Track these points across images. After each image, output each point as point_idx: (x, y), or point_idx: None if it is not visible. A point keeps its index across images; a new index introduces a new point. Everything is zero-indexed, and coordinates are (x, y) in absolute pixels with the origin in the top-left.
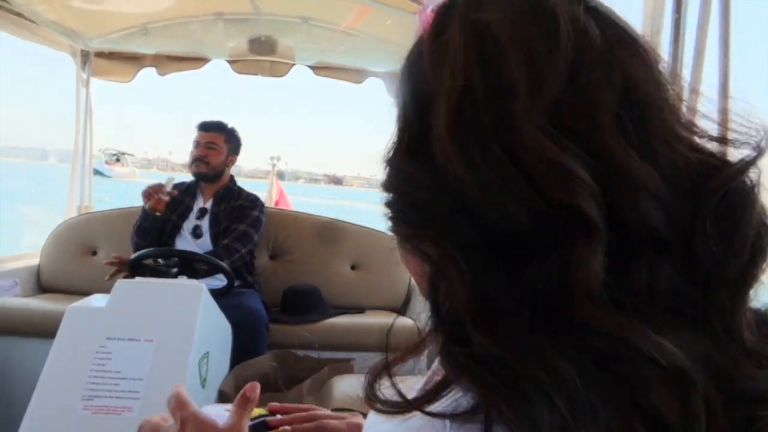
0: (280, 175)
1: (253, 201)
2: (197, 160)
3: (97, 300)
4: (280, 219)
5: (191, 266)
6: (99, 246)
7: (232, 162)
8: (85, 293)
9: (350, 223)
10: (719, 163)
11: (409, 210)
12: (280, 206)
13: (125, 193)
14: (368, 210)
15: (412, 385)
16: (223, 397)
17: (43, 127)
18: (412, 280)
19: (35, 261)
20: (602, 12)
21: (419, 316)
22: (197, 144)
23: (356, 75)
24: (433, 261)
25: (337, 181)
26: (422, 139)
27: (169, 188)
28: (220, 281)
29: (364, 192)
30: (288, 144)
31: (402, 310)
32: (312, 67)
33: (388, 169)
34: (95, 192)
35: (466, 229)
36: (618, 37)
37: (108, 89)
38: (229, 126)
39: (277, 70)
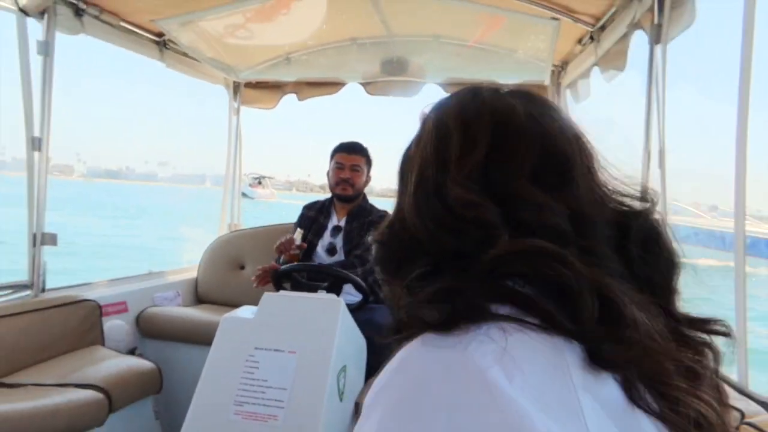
0: None
1: (382, 216)
2: (344, 182)
3: (247, 311)
4: None
5: (332, 281)
6: (246, 261)
7: (369, 181)
8: (235, 304)
9: None
10: (629, 205)
11: (388, 263)
12: None
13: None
14: None
15: None
16: (358, 410)
17: (201, 156)
18: None
19: (194, 274)
20: (533, 97)
21: None
22: (342, 166)
23: None
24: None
25: None
26: (401, 209)
27: (298, 242)
28: (353, 296)
29: None
30: None
31: None
32: (443, 85)
33: (377, 244)
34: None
35: (422, 263)
36: (542, 114)
37: (254, 117)
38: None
39: (409, 89)
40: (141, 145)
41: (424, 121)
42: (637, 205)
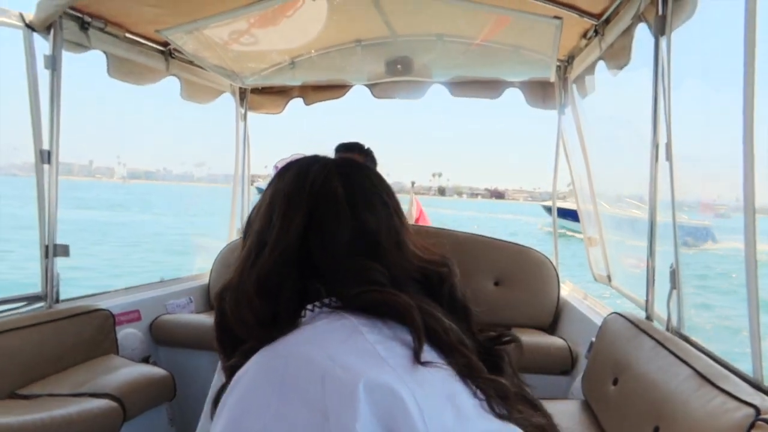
0: (442, 191)
1: None
2: None
3: None
4: (421, 236)
5: None
6: None
7: None
8: None
9: (493, 239)
10: (432, 268)
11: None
12: (419, 224)
13: None
14: (527, 222)
15: None
16: None
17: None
18: (562, 296)
19: (205, 280)
20: (354, 178)
21: (570, 334)
22: None
23: (492, 90)
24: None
25: (498, 195)
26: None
27: None
28: None
29: (527, 206)
30: (449, 160)
31: (550, 328)
32: (447, 84)
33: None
34: None
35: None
36: (360, 195)
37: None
38: (366, 147)
39: (415, 90)
40: (179, 148)
41: (264, 193)
42: (436, 267)
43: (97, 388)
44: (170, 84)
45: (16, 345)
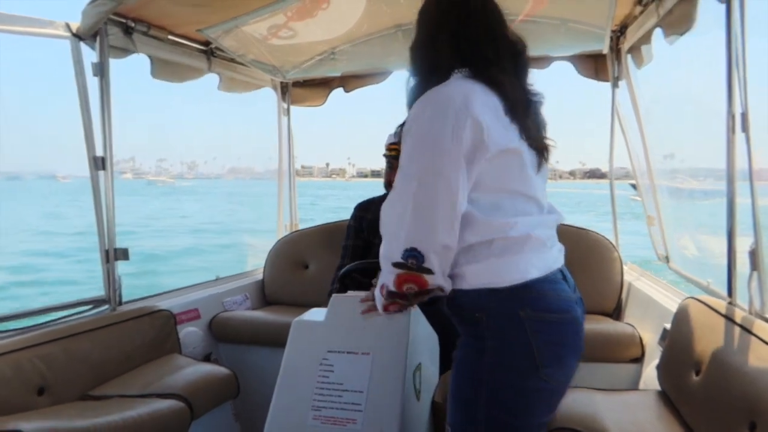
0: None
1: None
2: None
3: (317, 314)
4: None
5: None
6: (309, 260)
7: None
8: (302, 303)
9: None
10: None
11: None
12: None
13: None
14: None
15: None
16: (435, 408)
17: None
18: (626, 281)
19: (260, 276)
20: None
21: (638, 320)
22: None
23: (540, 62)
24: None
25: None
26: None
27: None
28: None
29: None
30: None
31: (615, 314)
32: None
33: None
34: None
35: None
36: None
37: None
38: None
39: None
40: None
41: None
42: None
43: (165, 389)
44: None
45: (86, 348)
